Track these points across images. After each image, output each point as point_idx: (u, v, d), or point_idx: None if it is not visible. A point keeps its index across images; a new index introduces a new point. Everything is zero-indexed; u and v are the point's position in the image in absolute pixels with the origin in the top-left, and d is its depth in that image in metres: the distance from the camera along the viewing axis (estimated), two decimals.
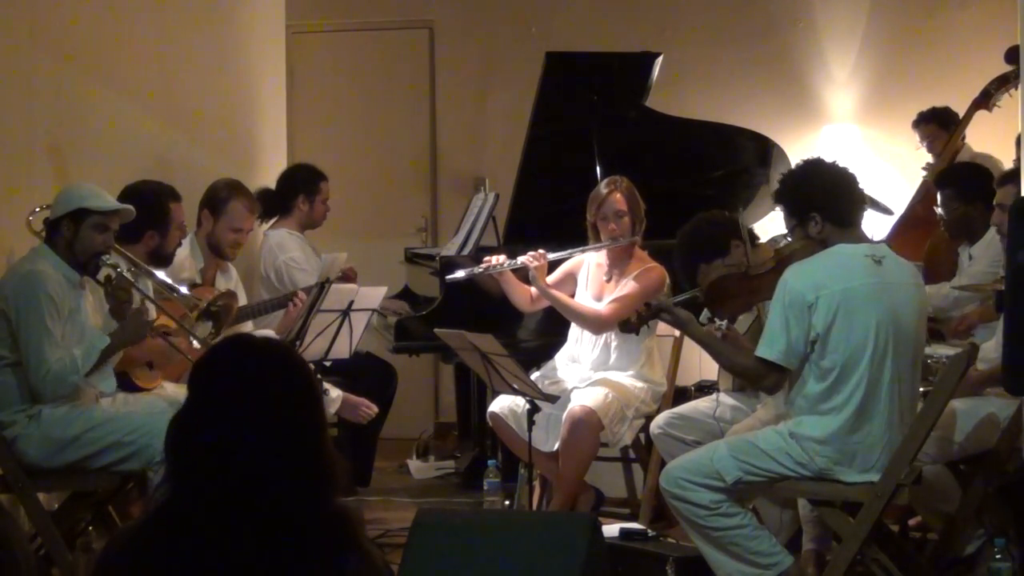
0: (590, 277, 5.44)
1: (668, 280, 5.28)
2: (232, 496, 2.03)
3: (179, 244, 5.03)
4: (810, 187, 4.00)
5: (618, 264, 5.36)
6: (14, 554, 1.93)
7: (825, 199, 3.96)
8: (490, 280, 5.50)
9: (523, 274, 5.42)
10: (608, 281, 5.37)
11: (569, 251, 5.41)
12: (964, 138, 6.49)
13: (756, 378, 4.04)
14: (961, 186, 5.29)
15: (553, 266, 5.43)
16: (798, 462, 3.91)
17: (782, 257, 4.09)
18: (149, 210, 4.61)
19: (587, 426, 5.01)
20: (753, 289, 4.26)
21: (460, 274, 5.41)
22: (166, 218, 4.84)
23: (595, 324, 5.26)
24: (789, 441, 3.93)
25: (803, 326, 3.85)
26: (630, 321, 4.36)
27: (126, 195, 4.70)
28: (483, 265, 5.37)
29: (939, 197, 5.34)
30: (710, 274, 4.26)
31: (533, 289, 5.43)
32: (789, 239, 4.24)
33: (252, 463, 2.03)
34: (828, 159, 4.15)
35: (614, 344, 5.28)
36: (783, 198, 4.08)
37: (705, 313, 4.49)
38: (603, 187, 5.35)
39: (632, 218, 5.29)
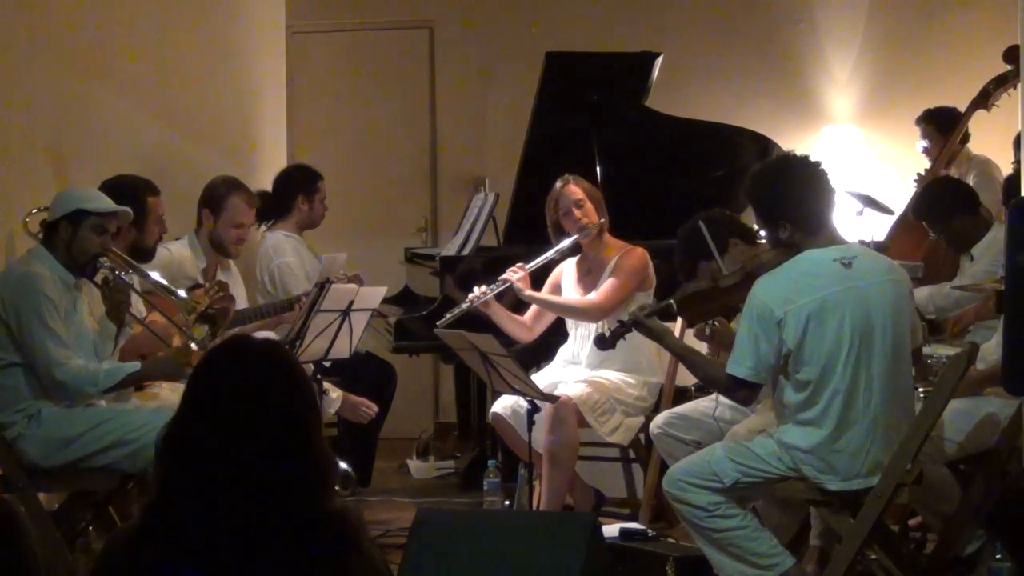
0: (573, 278, 5.43)
1: (649, 258, 5.30)
2: (226, 498, 2.03)
3: (159, 238, 5.02)
4: (779, 194, 3.94)
5: (595, 255, 5.35)
6: (29, 546, 1.91)
7: (794, 206, 3.91)
8: (489, 275, 5.47)
9: (509, 304, 5.38)
10: (589, 274, 5.37)
11: (544, 255, 5.36)
12: (966, 141, 6.48)
13: (727, 392, 4.04)
14: (932, 214, 5.31)
15: (535, 278, 5.41)
16: (789, 467, 3.92)
17: (748, 270, 4.06)
18: (126, 205, 4.57)
19: (565, 409, 5.00)
20: (724, 300, 4.26)
21: (449, 316, 5.26)
22: (143, 212, 4.82)
23: (591, 314, 5.26)
24: (779, 450, 3.93)
25: (772, 341, 3.83)
26: (604, 337, 4.38)
27: (104, 191, 4.66)
28: (468, 300, 5.27)
29: (926, 227, 5.35)
30: (683, 289, 4.27)
31: (526, 317, 5.41)
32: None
33: (244, 465, 2.04)
34: (798, 155, 4.08)
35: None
36: (753, 200, 4.06)
37: None
38: (557, 184, 5.35)
39: (593, 203, 5.29)
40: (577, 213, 5.26)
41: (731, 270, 4.25)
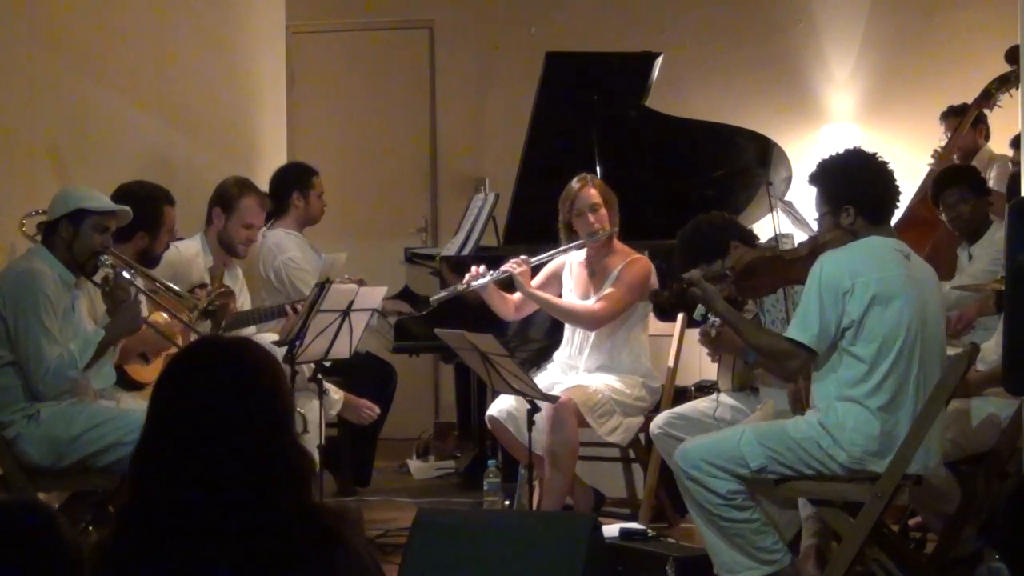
0: (574, 276, 5.41)
1: (653, 270, 5.29)
2: (196, 500, 2.02)
3: (166, 247, 5.04)
4: (850, 179, 4.00)
5: (600, 259, 5.33)
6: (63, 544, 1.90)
7: (862, 193, 3.98)
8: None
9: (503, 284, 5.38)
10: (592, 276, 5.35)
11: (551, 252, 5.36)
12: (988, 138, 6.48)
13: (783, 358, 3.97)
14: (970, 182, 5.31)
15: (536, 270, 5.40)
16: (828, 453, 3.88)
17: (816, 245, 4.08)
18: (142, 212, 4.58)
19: (565, 410, 5.00)
20: (783, 274, 4.23)
21: (444, 293, 5.32)
22: (158, 221, 4.83)
23: (588, 321, 5.24)
24: (820, 431, 3.90)
25: (836, 312, 3.85)
26: (662, 295, 4.36)
27: (120, 195, 4.68)
28: (466, 280, 5.28)
29: (945, 197, 5.32)
30: (743, 256, 4.24)
31: (515, 296, 5.39)
32: (793, 239, 4.24)
33: (212, 465, 2.02)
34: (869, 151, 4.15)
35: (604, 341, 5.26)
36: (820, 183, 4.07)
37: (700, 309, 4.47)
38: (574, 184, 5.31)
39: (608, 209, 5.27)
40: (591, 218, 5.23)
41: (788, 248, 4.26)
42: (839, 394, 3.90)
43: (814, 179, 4.11)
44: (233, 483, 2.03)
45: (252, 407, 2.08)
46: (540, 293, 5.33)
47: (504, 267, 5.28)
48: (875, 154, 4.12)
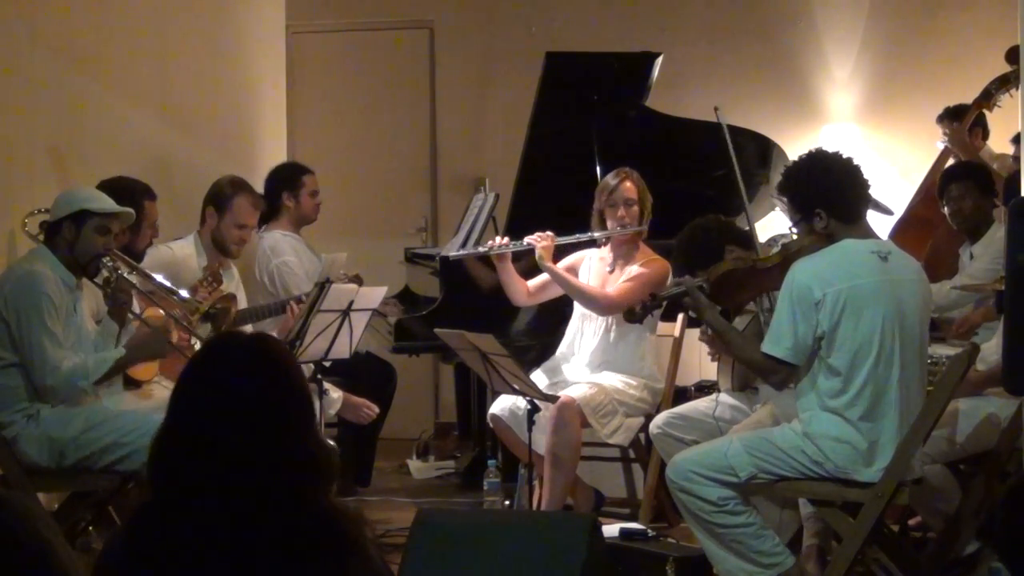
0: (592, 270, 5.43)
1: (671, 274, 5.29)
2: (216, 497, 2.01)
3: (150, 243, 5.04)
4: (816, 183, 3.96)
5: (622, 256, 5.36)
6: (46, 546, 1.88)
7: (831, 196, 3.93)
8: (490, 275, 5.48)
9: (521, 269, 5.42)
10: (611, 272, 5.37)
11: (576, 235, 5.40)
12: (985, 138, 6.48)
13: (764, 372, 4.01)
14: (979, 178, 5.32)
15: (558, 254, 5.42)
16: (814, 460, 3.89)
17: (789, 253, 4.06)
18: (124, 207, 4.56)
19: (569, 410, 5.00)
20: (759, 282, 4.23)
21: (461, 252, 5.40)
22: (139, 216, 4.82)
23: (601, 305, 5.25)
24: (805, 440, 3.90)
25: (810, 322, 3.84)
26: (634, 310, 4.36)
27: (102, 191, 4.66)
28: (488, 246, 5.37)
29: (950, 190, 5.32)
30: (718, 267, 4.24)
31: (531, 283, 5.42)
32: (792, 232, 4.22)
33: (233, 463, 2.01)
34: (831, 150, 4.10)
35: (612, 338, 5.27)
36: (787, 192, 4.05)
37: None
38: (612, 177, 5.36)
39: (641, 207, 5.30)
40: (622, 211, 5.28)
41: (762, 256, 4.24)
42: (820, 404, 3.91)
43: (782, 188, 4.09)
44: (248, 480, 2.01)
45: (277, 402, 2.07)
46: (559, 270, 5.34)
47: (529, 239, 5.32)
48: (838, 153, 4.06)
